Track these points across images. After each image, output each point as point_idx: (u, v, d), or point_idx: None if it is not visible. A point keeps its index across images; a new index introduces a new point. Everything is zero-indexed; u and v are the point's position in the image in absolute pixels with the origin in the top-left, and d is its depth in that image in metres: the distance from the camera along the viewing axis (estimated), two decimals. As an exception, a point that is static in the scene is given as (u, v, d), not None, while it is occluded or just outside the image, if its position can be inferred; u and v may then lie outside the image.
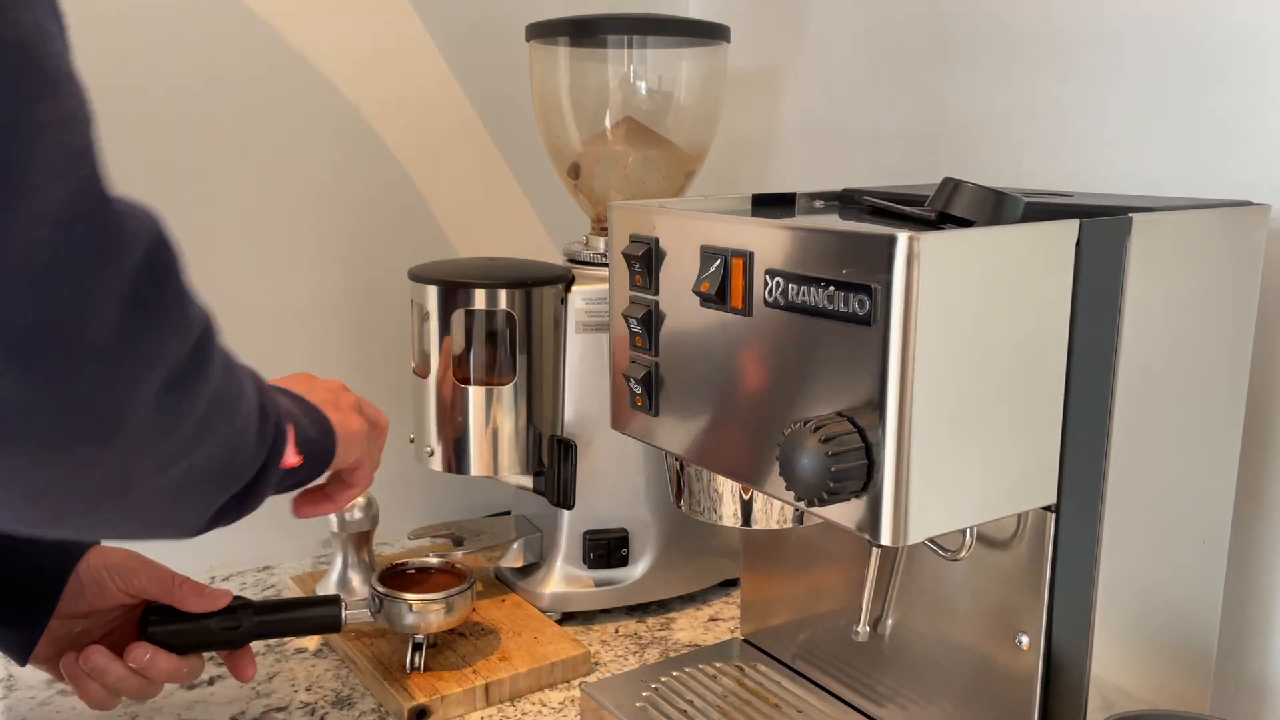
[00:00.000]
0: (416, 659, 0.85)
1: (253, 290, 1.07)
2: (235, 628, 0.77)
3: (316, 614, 0.81)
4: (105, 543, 0.76)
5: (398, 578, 0.88)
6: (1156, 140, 0.79)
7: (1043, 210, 0.59)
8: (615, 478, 0.96)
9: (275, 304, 1.08)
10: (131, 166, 1.04)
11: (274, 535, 1.09)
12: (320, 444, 0.66)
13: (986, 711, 0.66)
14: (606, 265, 0.71)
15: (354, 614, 0.82)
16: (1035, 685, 0.62)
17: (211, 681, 0.87)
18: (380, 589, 0.84)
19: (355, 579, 0.97)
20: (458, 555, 0.97)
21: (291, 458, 0.61)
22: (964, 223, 0.54)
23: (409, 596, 0.84)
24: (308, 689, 0.87)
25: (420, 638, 0.85)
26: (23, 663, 0.73)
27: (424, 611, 0.83)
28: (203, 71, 1.02)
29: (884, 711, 0.74)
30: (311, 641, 0.94)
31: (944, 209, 0.55)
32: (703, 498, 0.70)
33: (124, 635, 0.76)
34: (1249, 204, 0.65)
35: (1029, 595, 0.62)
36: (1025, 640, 0.62)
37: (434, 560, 0.91)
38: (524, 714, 0.83)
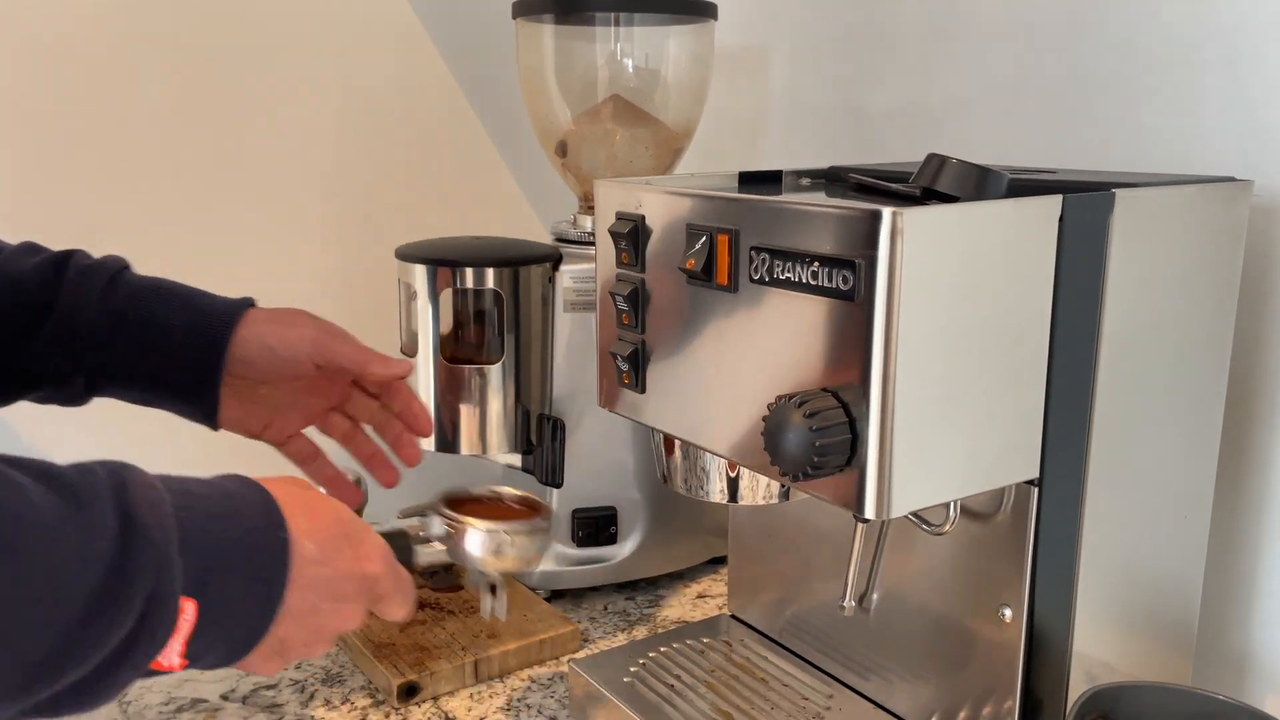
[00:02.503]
0: (492, 605, 0.73)
1: (239, 272, 1.07)
2: None
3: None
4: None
5: (466, 503, 0.73)
6: (1139, 117, 0.80)
7: (1026, 186, 0.59)
8: (603, 456, 0.97)
9: (262, 284, 1.08)
10: (126, 157, 1.04)
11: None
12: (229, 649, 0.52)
13: (970, 684, 0.66)
14: (594, 244, 0.71)
15: (427, 551, 0.69)
16: (1018, 658, 0.63)
17: (202, 660, 0.88)
18: (448, 513, 0.70)
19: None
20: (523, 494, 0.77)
21: (171, 659, 0.49)
22: (948, 199, 0.54)
23: (481, 522, 0.69)
24: (297, 667, 0.87)
25: (494, 576, 0.72)
26: (214, 427, 0.75)
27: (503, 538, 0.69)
28: (189, 55, 1.02)
29: (869, 684, 0.75)
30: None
31: (929, 185, 0.55)
32: (690, 474, 0.71)
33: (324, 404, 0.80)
34: (1232, 180, 0.65)
35: (1012, 569, 0.62)
36: (1008, 613, 0.63)
37: (503, 489, 0.76)
38: (513, 690, 0.84)
